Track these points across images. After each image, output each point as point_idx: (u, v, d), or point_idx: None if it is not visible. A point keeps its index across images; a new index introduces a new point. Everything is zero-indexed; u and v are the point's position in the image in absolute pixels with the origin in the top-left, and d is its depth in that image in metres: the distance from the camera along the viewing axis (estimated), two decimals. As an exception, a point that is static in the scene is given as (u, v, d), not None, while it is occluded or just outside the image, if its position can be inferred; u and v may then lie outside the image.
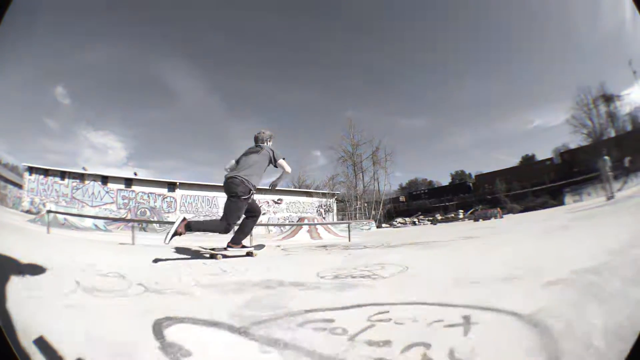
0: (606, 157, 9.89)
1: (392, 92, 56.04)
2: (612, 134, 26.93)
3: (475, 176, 33.37)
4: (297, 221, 16.28)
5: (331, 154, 27.66)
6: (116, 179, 28.19)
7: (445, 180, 42.52)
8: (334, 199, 24.06)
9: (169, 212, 26.66)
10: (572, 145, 30.23)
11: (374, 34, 56.79)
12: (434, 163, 65.14)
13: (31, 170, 28.21)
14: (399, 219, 24.28)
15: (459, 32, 56.77)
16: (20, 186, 34.07)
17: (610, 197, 8.64)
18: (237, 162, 3.92)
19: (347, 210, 23.80)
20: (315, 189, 25.28)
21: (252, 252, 4.11)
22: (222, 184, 3.90)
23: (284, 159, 3.96)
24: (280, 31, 53.16)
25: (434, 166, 70.78)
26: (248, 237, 4.56)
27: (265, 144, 4.08)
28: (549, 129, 54.09)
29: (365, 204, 24.88)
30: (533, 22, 52.52)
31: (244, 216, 3.95)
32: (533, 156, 37.29)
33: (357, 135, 27.53)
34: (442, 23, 56.35)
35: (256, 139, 4.09)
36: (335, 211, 23.74)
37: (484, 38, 55.46)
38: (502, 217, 18.43)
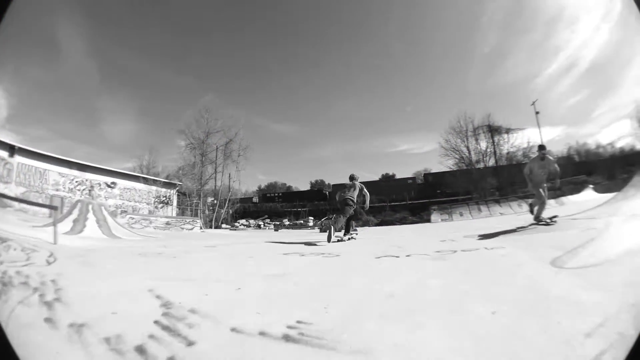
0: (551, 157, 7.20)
1: (267, 93, 55.03)
2: (491, 163, 27.07)
3: (332, 185, 32.72)
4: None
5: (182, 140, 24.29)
6: None
7: (305, 187, 42.39)
8: (175, 191, 21.87)
9: (7, 182, 23.32)
10: (438, 169, 30.52)
11: (260, 28, 54.48)
12: (297, 170, 64.94)
13: None
14: (242, 221, 22.68)
15: (344, 48, 57.05)
16: None
17: (544, 221, 6.13)
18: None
19: (188, 204, 21.76)
20: (165, 179, 22.95)
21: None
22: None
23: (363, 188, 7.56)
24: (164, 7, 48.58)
25: (297, 172, 71.10)
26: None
27: (356, 181, 7.46)
28: (413, 155, 64.85)
29: (214, 201, 22.94)
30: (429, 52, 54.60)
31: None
32: (393, 175, 39.89)
33: (211, 122, 24.74)
34: (327, 36, 56.14)
35: (350, 178, 7.53)
36: (175, 204, 21.67)
37: (367, 56, 56.18)
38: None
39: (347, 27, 56.53)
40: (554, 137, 46.71)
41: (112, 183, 20.97)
